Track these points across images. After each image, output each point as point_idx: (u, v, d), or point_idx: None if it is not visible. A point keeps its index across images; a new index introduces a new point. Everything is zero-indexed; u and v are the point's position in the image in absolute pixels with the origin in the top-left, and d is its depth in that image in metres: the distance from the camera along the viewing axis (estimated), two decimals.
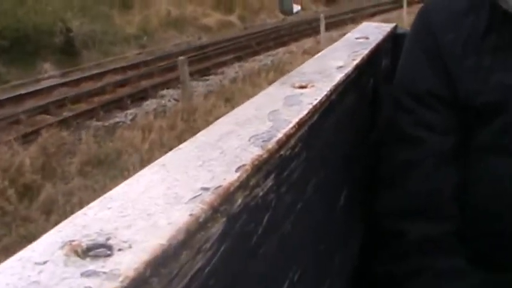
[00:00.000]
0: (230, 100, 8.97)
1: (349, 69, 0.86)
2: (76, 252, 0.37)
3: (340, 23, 17.55)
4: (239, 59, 13.09)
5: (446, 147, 0.85)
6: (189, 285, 0.40)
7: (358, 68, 0.91)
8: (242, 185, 0.49)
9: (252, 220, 0.52)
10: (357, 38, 1.12)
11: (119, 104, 9.34)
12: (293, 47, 14.51)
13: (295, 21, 18.70)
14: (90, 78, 11.05)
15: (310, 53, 12.26)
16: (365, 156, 1.06)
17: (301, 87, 0.75)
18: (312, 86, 0.76)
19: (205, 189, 0.45)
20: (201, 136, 0.57)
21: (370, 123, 1.12)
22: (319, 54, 1.00)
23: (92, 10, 14.84)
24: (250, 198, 0.51)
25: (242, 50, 13.85)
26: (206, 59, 12.83)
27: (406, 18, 15.20)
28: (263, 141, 0.56)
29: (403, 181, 0.87)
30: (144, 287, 0.35)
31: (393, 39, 1.28)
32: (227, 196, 0.46)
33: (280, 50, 14.22)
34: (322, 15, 13.85)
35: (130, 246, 0.37)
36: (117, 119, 8.73)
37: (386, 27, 1.27)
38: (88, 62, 12.81)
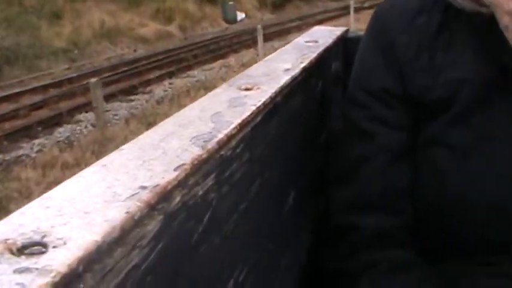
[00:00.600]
0: (153, 125, 8.13)
1: (296, 71, 0.90)
2: (10, 250, 0.38)
3: (283, 32, 17.21)
4: (171, 74, 12.32)
5: (400, 143, 0.89)
6: (124, 282, 0.42)
7: (305, 70, 0.95)
8: (180, 184, 0.51)
9: (192, 218, 0.54)
10: (306, 42, 1.16)
11: (28, 132, 8.40)
12: (231, 59, 13.90)
13: (239, 30, 18.21)
14: (6, 99, 10.07)
15: (249, 66, 11.60)
16: (314, 158, 1.10)
17: (247, 89, 0.78)
18: (258, 88, 0.79)
19: (143, 187, 0.47)
20: (144, 137, 0.60)
21: (320, 125, 1.15)
22: (268, 57, 1.03)
23: (17, 21, 13.83)
24: (189, 196, 0.53)
25: (177, 63, 13.26)
26: (136, 75, 12.03)
27: (353, 25, 14.64)
28: (204, 141, 0.58)
29: (356, 176, 0.91)
30: (77, 282, 0.37)
31: (344, 42, 1.31)
32: (165, 194, 0.48)
33: (218, 63, 13.69)
34: (259, 26, 13.27)
35: (64, 243, 0.39)
36: (21, 151, 7.81)
37: (337, 31, 1.32)
38: (10, 79, 11.79)
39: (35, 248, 0.38)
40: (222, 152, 0.60)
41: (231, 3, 19.96)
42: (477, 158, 0.82)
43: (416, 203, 0.87)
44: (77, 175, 0.49)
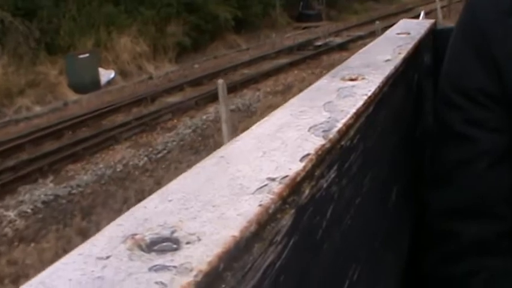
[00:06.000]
0: None
1: (397, 62, 0.87)
2: (140, 247, 0.34)
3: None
4: None
5: (499, 146, 0.84)
6: (261, 281, 0.38)
7: (405, 61, 0.91)
8: (308, 176, 0.48)
9: (318, 213, 0.51)
10: (398, 34, 1.12)
11: None
12: None
13: (90, 111, 9.62)
14: None
15: None
16: (411, 154, 1.07)
17: (352, 79, 0.76)
18: (363, 78, 0.76)
19: (272, 179, 0.44)
20: (258, 128, 0.56)
21: (414, 120, 1.11)
22: (364, 48, 1.01)
23: None
24: (316, 189, 0.50)
25: None
26: None
27: None
28: (323, 131, 0.55)
29: (455, 180, 0.86)
30: (217, 282, 0.34)
31: (433, 35, 1.27)
32: (295, 186, 0.45)
33: None
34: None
35: (199, 239, 0.35)
36: None
37: (426, 23, 1.27)
38: None
39: (165, 244, 0.35)
40: (342, 143, 0.57)
41: (84, 55, 11.57)
42: None
43: None
44: (194, 167, 0.46)
